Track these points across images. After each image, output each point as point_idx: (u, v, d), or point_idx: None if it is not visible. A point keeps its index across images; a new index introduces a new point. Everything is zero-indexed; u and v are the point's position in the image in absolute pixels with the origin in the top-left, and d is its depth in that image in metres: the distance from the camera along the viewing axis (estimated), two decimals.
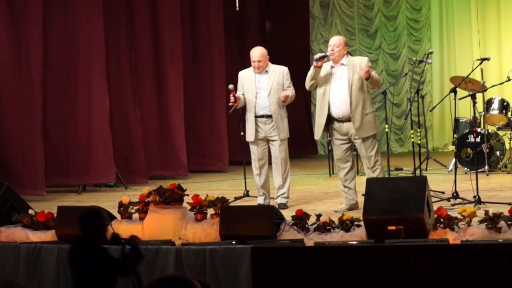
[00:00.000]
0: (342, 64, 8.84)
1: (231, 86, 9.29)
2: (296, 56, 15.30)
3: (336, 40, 8.92)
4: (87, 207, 5.74)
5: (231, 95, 9.20)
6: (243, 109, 9.44)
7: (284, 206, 9.06)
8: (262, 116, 9.20)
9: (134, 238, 5.88)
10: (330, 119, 8.88)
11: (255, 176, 9.28)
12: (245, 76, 9.33)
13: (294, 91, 9.24)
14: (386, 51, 15.50)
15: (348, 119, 8.79)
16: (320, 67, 8.80)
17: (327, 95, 8.83)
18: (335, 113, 8.82)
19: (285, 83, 9.21)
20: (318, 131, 8.97)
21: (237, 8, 12.90)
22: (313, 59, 9.08)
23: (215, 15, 13.38)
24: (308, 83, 8.92)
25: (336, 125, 8.86)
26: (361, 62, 8.80)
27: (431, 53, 10.09)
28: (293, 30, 15.44)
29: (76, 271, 5.70)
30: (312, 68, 8.87)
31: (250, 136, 9.25)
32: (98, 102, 11.45)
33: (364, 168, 9.08)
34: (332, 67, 8.86)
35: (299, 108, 15.08)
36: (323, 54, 8.82)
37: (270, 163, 9.39)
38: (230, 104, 9.25)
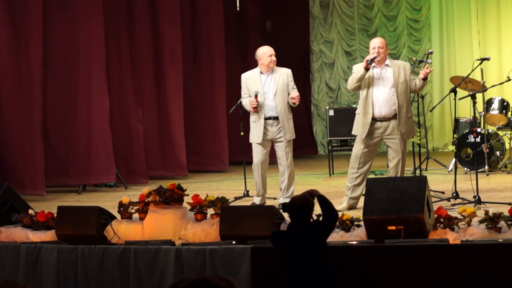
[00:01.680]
0: (386, 65, 8.96)
1: (255, 91, 9.17)
2: (296, 56, 15.31)
3: (379, 42, 9.02)
4: (299, 196, 6.07)
5: (254, 100, 9.11)
6: (244, 109, 9.43)
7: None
8: (269, 118, 9.19)
9: (310, 193, 6.21)
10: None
11: (255, 176, 9.29)
12: (250, 78, 9.29)
13: (298, 93, 9.27)
14: None
15: (388, 119, 8.89)
16: (369, 69, 8.86)
17: (370, 95, 8.91)
18: (377, 112, 8.90)
19: (289, 84, 9.22)
20: (363, 130, 8.94)
21: (238, 8, 12.89)
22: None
23: (215, 15, 13.37)
24: (354, 84, 8.95)
25: (376, 124, 8.92)
26: (405, 66, 9.06)
27: (431, 53, 10.09)
28: (293, 30, 15.44)
29: (301, 251, 5.96)
30: (361, 69, 8.85)
31: (257, 137, 9.19)
32: (98, 102, 11.45)
33: (390, 167, 9.05)
34: (374, 67, 8.92)
35: (299, 108, 15.00)
36: (373, 56, 8.86)
37: (269, 164, 9.39)
38: (253, 107, 9.12)
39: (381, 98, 8.89)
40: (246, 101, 9.21)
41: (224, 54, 13.43)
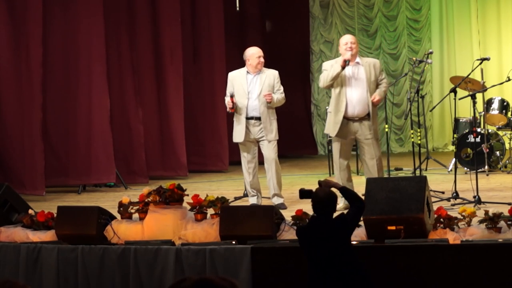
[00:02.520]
0: (357, 63, 8.91)
1: (231, 92, 9.25)
2: (296, 56, 15.32)
3: (352, 38, 9.01)
4: (322, 189, 6.09)
5: (230, 101, 9.17)
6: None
7: (283, 206, 9.05)
8: (251, 118, 9.22)
9: (330, 185, 6.29)
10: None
11: (245, 176, 9.31)
12: (236, 77, 9.35)
13: (283, 95, 9.28)
14: (386, 51, 15.50)
15: (360, 119, 8.85)
16: (345, 67, 8.84)
17: (343, 94, 8.86)
18: (350, 111, 8.86)
19: (275, 86, 9.25)
20: (334, 128, 8.90)
21: (237, 8, 12.90)
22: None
23: (215, 15, 13.37)
24: (328, 82, 8.87)
25: (348, 124, 8.89)
26: (375, 64, 9.00)
27: (431, 53, 10.09)
28: (293, 30, 15.44)
29: (325, 242, 6.03)
30: (338, 67, 8.80)
31: (239, 137, 9.25)
32: (98, 102, 11.45)
33: (365, 169, 9.08)
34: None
35: (299, 108, 15.08)
36: (349, 56, 8.80)
37: (261, 163, 9.42)
38: (229, 109, 9.24)
39: (355, 97, 8.84)
40: (227, 100, 9.27)
41: (224, 54, 13.44)
